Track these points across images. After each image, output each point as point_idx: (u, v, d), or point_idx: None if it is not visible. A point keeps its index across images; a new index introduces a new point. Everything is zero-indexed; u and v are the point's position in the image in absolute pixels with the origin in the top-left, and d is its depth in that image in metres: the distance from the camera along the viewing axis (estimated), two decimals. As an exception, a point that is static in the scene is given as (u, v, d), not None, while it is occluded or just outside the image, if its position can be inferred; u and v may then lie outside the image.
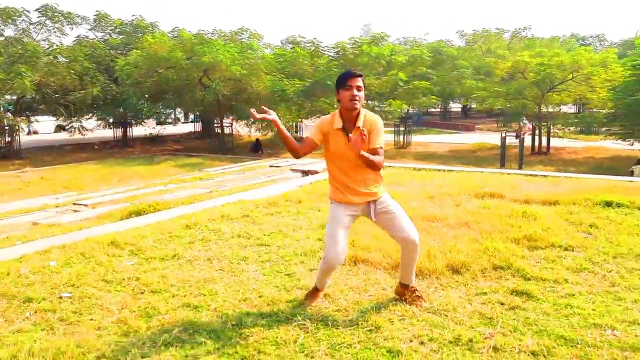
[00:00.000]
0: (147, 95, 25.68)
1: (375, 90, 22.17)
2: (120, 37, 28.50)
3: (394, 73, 21.86)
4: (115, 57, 26.09)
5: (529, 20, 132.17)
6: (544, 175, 9.00)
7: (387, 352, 2.89)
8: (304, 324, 3.21)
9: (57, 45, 24.83)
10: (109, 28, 28.46)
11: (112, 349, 2.91)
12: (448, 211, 5.98)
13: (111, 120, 28.00)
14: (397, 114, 23.53)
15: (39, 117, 29.40)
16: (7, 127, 22.90)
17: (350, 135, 3.24)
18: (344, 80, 3.32)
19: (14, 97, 24.59)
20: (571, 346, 2.94)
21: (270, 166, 13.20)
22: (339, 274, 4.10)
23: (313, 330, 3.15)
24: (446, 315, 3.35)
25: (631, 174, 14.28)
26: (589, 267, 4.21)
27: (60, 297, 3.66)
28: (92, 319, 3.33)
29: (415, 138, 29.74)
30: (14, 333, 3.11)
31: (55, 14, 25.25)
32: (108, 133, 29.60)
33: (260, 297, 3.67)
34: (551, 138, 24.37)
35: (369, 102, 25.57)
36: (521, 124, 26.36)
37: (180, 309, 3.48)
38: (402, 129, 26.03)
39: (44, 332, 3.14)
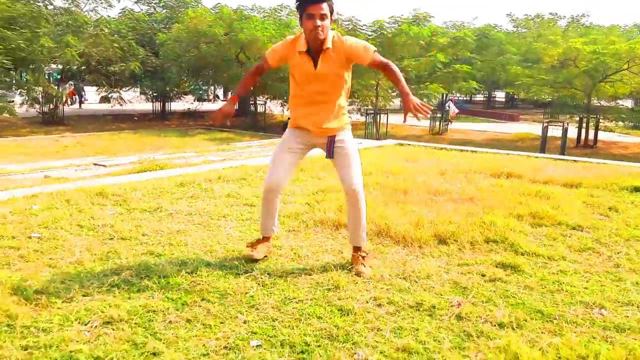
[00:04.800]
0: (186, 70, 25.88)
1: (413, 72, 21.56)
2: (165, 11, 28.82)
3: (432, 54, 21.17)
4: (158, 30, 26.41)
5: (587, 7, 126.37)
6: (574, 160, 8.46)
7: (338, 310, 2.67)
8: (261, 278, 3.03)
9: (103, 16, 25.30)
10: (153, 1, 28.80)
11: (56, 285, 2.80)
12: (455, 187, 5.65)
13: (151, 93, 28.43)
14: (435, 98, 22.84)
15: (85, 87, 30.32)
16: (55, 95, 23.52)
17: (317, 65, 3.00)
18: (305, 6, 2.90)
19: (60, 66, 25.25)
20: (547, 321, 2.64)
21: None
22: (320, 238, 3.88)
23: (268, 285, 2.96)
24: (416, 282, 3.09)
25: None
26: (594, 247, 3.84)
27: (30, 237, 3.59)
28: (51, 258, 3.24)
29: (453, 125, 29.00)
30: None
31: (103, -15, 25.67)
32: (148, 106, 30.13)
33: (226, 250, 3.50)
34: (600, 132, 23.25)
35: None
36: (447, 108, 26.27)
37: (142, 256, 3.35)
38: (438, 115, 25.36)
39: (2, 265, 3.07)
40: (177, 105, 30.98)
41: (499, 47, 30.97)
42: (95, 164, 9.40)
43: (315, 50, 3.03)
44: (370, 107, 24.16)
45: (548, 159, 8.49)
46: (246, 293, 2.83)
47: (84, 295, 2.73)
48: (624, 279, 3.25)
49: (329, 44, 3.01)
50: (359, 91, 24.73)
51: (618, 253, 3.75)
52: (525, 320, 2.62)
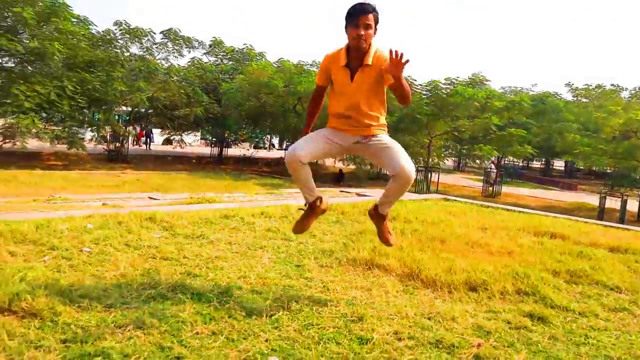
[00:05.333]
0: (245, 118, 26.96)
1: (467, 133, 21.59)
2: (231, 63, 30.38)
3: (487, 117, 21.19)
4: (223, 80, 27.83)
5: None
6: (626, 229, 8.18)
7: (357, 338, 2.75)
8: (288, 304, 3.15)
9: (173, 65, 26.97)
10: (221, 53, 30.48)
11: (98, 292, 3.02)
12: (494, 241, 5.62)
13: (210, 138, 29.66)
14: (487, 159, 22.68)
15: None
16: (121, 134, 24.96)
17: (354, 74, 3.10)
18: (352, 16, 3.05)
19: (129, 108, 26.88)
20: (566, 369, 2.62)
21: (341, 191, 13.21)
22: (352, 275, 3.98)
23: (294, 310, 3.08)
24: (440, 322, 3.13)
25: None
26: (630, 308, 3.74)
27: (81, 251, 3.88)
28: (97, 270, 3.49)
29: (508, 189, 28.49)
30: (24, 268, 3.32)
31: (177, 37, 27.48)
32: (207, 150, 31.38)
33: (258, 277, 3.66)
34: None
35: (458, 144, 25.03)
36: (489, 169, 26.00)
37: (180, 275, 3.55)
38: (491, 179, 25.06)
39: (50, 272, 3.34)
40: (233, 151, 32.13)
41: (556, 113, 30.61)
42: (150, 197, 9.90)
43: (355, 65, 3.13)
44: (422, 164, 24.22)
45: (598, 225, 8.26)
46: (271, 316, 2.95)
47: (122, 303, 2.93)
48: (657, 339, 3.16)
49: (369, 60, 3.11)
50: (411, 147, 24.92)
51: (657, 316, 3.64)
52: (544, 367, 2.61)
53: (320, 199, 3.44)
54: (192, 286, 3.30)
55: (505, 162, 39.85)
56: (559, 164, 48.72)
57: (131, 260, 3.77)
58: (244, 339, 2.63)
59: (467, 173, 38.41)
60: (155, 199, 9.63)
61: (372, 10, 3.08)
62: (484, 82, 24.26)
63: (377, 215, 3.54)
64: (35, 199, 8.24)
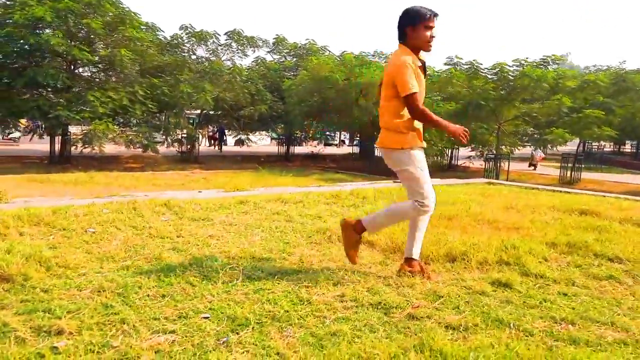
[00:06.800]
0: (309, 115, 27.34)
1: (536, 116, 20.64)
2: (294, 59, 30.89)
3: (557, 98, 20.10)
4: (286, 77, 28.39)
5: None
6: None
7: (298, 299, 2.87)
8: (252, 273, 3.32)
9: (238, 65, 27.89)
10: (284, 51, 31.07)
11: (77, 263, 3.35)
12: (508, 218, 5.46)
13: (276, 136, 30.38)
14: (560, 143, 21.53)
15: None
16: (192, 136, 26.22)
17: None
18: (426, 17, 3.18)
19: (198, 111, 28.14)
20: (498, 327, 2.59)
21: (394, 182, 13.13)
22: (335, 250, 4.06)
23: (254, 278, 3.24)
24: (396, 289, 3.17)
25: None
26: (619, 277, 3.56)
27: (85, 231, 4.26)
28: (91, 246, 3.84)
29: (590, 175, 26.87)
30: (25, 244, 3.71)
31: (241, 37, 28.37)
32: (275, 149, 32.21)
33: (241, 252, 3.83)
34: None
35: (529, 129, 23.89)
36: (533, 153, 25.98)
37: (164, 250, 3.81)
38: (569, 164, 23.71)
39: (48, 248, 3.72)
40: (302, 149, 32.73)
41: (638, 91, 28.31)
42: (199, 192, 10.42)
43: (422, 63, 3.32)
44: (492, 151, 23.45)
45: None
46: (229, 282, 3.13)
47: (96, 272, 3.24)
48: (624, 304, 3.02)
49: (423, 57, 3.34)
50: (480, 135, 24.17)
51: (646, 285, 3.45)
52: (476, 325, 2.60)
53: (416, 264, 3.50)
54: (169, 259, 3.55)
55: (594, 146, 37.40)
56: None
57: (126, 238, 4.10)
58: (190, 300, 2.83)
59: (549, 160, 36.60)
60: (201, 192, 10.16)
61: (438, 14, 3.27)
62: (557, 61, 22.89)
63: (355, 228, 3.52)
64: (98, 196, 8.97)
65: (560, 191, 8.65)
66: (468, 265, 3.71)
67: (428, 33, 3.23)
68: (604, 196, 8.12)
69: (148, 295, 2.87)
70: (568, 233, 4.74)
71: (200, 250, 3.87)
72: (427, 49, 3.30)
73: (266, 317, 2.61)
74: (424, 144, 3.43)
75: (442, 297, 3.03)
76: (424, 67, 3.38)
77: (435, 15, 3.26)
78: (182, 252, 3.78)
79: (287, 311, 2.69)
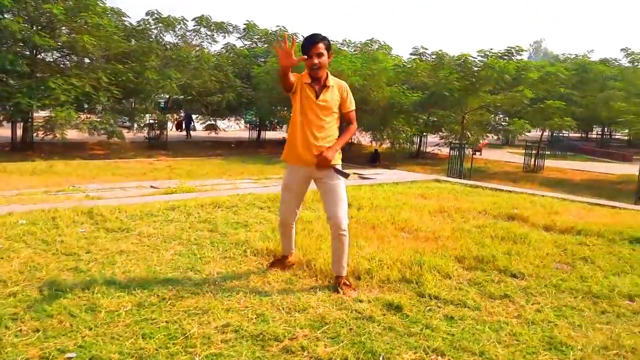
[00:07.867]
0: (276, 102, 27.16)
1: (500, 107, 20.84)
2: (265, 45, 30.57)
3: (519, 90, 20.32)
4: (257, 63, 28.09)
5: None
6: (619, 207, 7.67)
7: (179, 330, 2.85)
8: (134, 293, 3.29)
9: (207, 51, 27.49)
10: (255, 37, 30.71)
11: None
12: (432, 226, 5.52)
13: (249, 120, 30.20)
14: (520, 133, 21.80)
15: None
16: (156, 122, 25.89)
17: (318, 95, 3.54)
18: (305, 49, 3.49)
19: (167, 96, 27.74)
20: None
21: (360, 177, 13.15)
22: (245, 266, 4.06)
23: (140, 301, 3.21)
24: (288, 313, 3.16)
25: None
26: (513, 296, 3.63)
27: (-8, 247, 4.17)
28: (-10, 266, 3.76)
29: (554, 163, 27.35)
30: None
31: (210, 23, 27.94)
32: (246, 134, 32.01)
33: (148, 271, 3.80)
34: None
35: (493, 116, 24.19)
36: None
37: (64, 272, 3.72)
38: (533, 152, 24.12)
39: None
40: (274, 134, 32.57)
41: (602, 82, 28.76)
42: (151, 186, 10.28)
43: (316, 85, 3.57)
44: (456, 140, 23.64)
45: (594, 205, 7.73)
46: (114, 311, 3.09)
47: (-19, 297, 3.17)
48: (505, 329, 3.08)
49: (330, 82, 3.58)
50: (447, 124, 24.35)
51: (536, 304, 3.52)
52: (346, 359, 2.62)
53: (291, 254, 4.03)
54: (64, 282, 3.49)
55: (559, 134, 37.97)
56: (621, 135, 46.03)
57: (29, 256, 4.01)
58: (62, 336, 2.76)
59: (518, 147, 37.07)
60: (155, 187, 10.02)
61: (320, 40, 3.50)
62: (520, 52, 23.06)
63: (335, 280, 3.68)
64: (47, 190, 8.78)
65: (502, 190, 8.77)
66: (370, 283, 3.75)
67: (309, 62, 3.51)
68: (543, 196, 8.24)
69: (20, 331, 2.81)
70: (483, 244, 4.81)
71: (103, 270, 3.81)
72: (311, 73, 3.57)
73: (132, 358, 2.58)
74: (299, 163, 3.63)
75: (328, 324, 3.05)
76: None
77: (314, 42, 3.49)
78: (82, 273, 3.73)
79: (158, 349, 2.67)
